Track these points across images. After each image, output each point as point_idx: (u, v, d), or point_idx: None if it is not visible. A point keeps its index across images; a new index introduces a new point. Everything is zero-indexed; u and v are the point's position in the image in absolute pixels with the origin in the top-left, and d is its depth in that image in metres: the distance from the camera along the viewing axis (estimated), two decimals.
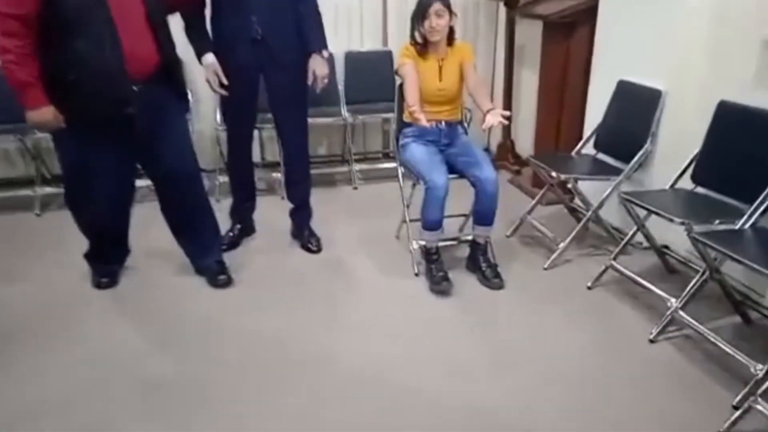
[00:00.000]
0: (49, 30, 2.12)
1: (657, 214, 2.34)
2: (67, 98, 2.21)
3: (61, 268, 2.85)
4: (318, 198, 3.30)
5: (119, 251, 2.78)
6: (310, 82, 2.69)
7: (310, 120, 3.82)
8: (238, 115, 2.87)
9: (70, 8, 2.10)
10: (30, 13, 2.08)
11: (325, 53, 2.72)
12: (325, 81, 2.72)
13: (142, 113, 2.31)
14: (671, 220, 2.26)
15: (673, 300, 2.35)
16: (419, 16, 2.68)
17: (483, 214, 2.67)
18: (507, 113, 2.52)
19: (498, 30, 4.26)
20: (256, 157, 4.17)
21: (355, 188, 3.98)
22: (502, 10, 4.05)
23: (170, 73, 2.41)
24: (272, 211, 3.35)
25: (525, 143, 4.13)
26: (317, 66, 2.69)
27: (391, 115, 3.75)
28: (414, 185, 2.88)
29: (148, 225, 2.87)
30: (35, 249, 3.14)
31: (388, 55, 4.09)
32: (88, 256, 2.73)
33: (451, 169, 2.71)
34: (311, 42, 2.70)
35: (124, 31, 2.19)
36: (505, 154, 4.18)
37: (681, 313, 2.30)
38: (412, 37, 2.76)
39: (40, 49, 2.14)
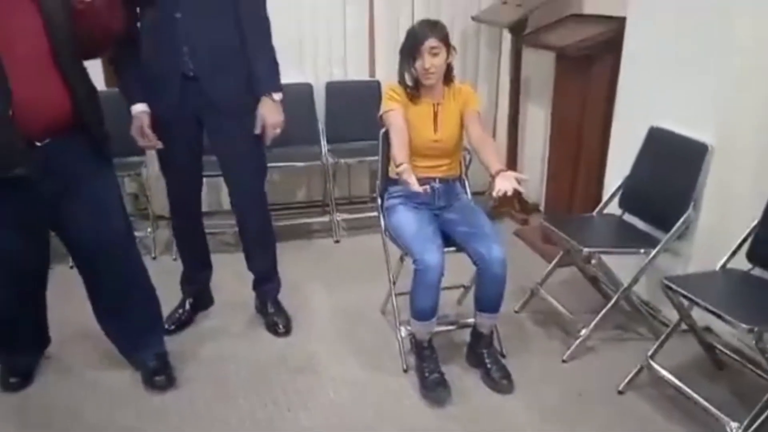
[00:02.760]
0: None
1: (713, 313, 1.81)
2: None
3: None
4: (292, 254, 2.77)
5: (34, 342, 2.23)
6: (257, 131, 2.17)
7: (283, 163, 3.36)
8: (176, 171, 2.32)
9: None
10: None
11: (276, 96, 2.19)
12: (278, 131, 2.20)
13: (46, 174, 1.80)
14: (734, 326, 1.75)
15: (734, 426, 1.82)
16: (409, 53, 2.16)
17: (488, 300, 2.13)
18: (524, 177, 1.99)
19: (501, 59, 3.75)
20: (223, 204, 3.67)
21: (337, 241, 3.43)
22: (506, 37, 3.54)
23: (86, 122, 1.88)
24: (239, 272, 2.64)
25: (532, 187, 3.61)
26: (267, 113, 2.17)
27: (378, 158, 3.26)
28: (402, 258, 2.35)
29: (78, 294, 2.18)
30: None
31: (375, 87, 3.57)
32: None
33: (448, 238, 2.18)
34: (259, 81, 2.17)
35: (15, 72, 1.65)
36: (510, 200, 3.65)
37: None
38: (401, 77, 2.24)
39: None
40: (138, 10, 2.11)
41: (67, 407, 2.09)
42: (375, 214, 3.37)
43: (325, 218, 3.53)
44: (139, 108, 2.13)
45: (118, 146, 2.12)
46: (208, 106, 2.15)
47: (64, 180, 1.88)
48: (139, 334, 2.18)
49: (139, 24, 2.12)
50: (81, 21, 1.81)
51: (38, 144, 1.78)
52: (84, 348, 2.36)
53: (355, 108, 3.50)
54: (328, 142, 3.50)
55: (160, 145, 2.19)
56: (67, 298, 2.31)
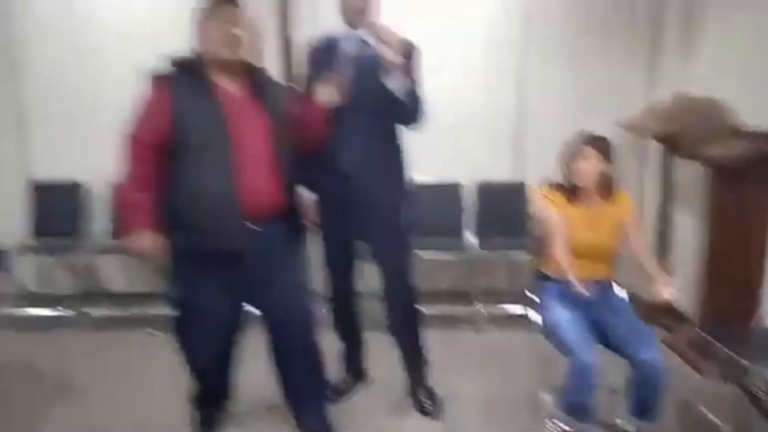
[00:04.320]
0: (169, 155, 2.06)
1: None
2: (174, 227, 2.10)
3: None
4: (436, 342, 2.91)
5: (220, 396, 2.54)
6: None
7: (428, 254, 3.56)
8: (332, 249, 2.62)
9: (194, 132, 2.04)
10: (164, 142, 2.04)
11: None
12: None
13: (254, 253, 2.14)
14: None
15: None
16: (566, 156, 2.35)
17: (645, 406, 2.16)
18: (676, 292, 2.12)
19: (647, 167, 3.82)
20: None
21: (479, 333, 3.55)
22: (652, 143, 3.62)
23: (291, 211, 2.25)
24: (393, 353, 2.77)
25: (682, 295, 3.52)
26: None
27: (521, 254, 3.41)
28: (553, 354, 2.42)
29: (262, 358, 2.45)
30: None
31: (522, 188, 3.78)
32: (194, 400, 2.49)
33: (601, 335, 2.26)
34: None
35: (245, 165, 2.06)
36: (661, 308, 3.57)
37: None
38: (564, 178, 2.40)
39: (156, 175, 2.08)
40: None
41: None
42: (517, 310, 3.51)
43: (467, 309, 3.68)
44: (303, 191, 2.42)
45: None
46: (361, 199, 2.41)
47: (265, 260, 2.21)
48: (309, 400, 2.43)
49: None
50: (297, 125, 2.21)
51: (253, 227, 2.13)
52: (260, 407, 2.63)
53: (503, 206, 3.77)
54: (475, 236, 3.72)
55: (318, 224, 2.51)
56: (252, 360, 2.59)
